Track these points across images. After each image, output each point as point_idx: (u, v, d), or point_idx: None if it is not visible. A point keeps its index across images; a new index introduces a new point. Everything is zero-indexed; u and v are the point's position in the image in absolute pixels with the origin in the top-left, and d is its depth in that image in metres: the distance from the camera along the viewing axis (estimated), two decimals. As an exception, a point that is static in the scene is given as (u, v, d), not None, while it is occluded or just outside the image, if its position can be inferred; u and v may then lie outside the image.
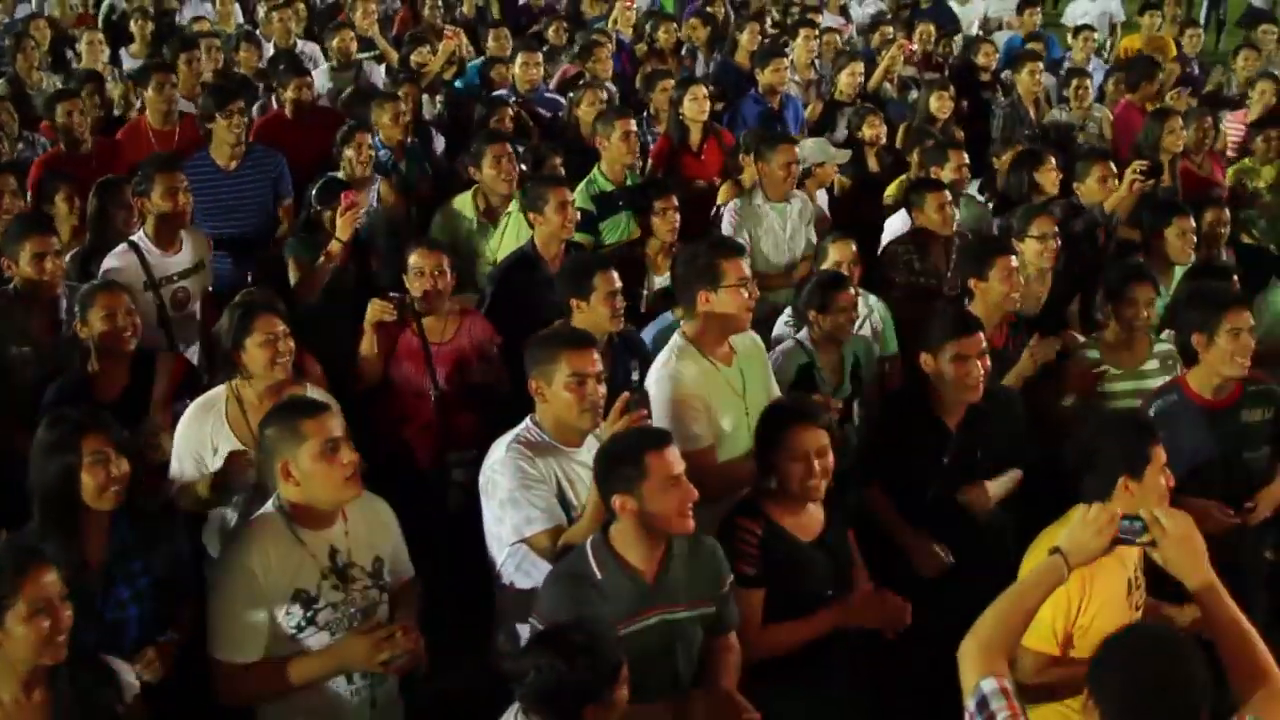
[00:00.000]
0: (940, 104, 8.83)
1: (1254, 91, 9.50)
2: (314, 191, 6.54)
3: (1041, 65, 9.66)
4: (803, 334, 5.66)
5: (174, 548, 4.20)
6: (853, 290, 5.66)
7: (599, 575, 3.85)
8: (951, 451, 4.94)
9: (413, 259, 5.65)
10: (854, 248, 6.14)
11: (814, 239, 6.96)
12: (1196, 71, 11.48)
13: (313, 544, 3.89)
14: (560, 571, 3.93)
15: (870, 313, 6.12)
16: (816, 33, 10.20)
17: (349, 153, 7.06)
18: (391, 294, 5.60)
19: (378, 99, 8.03)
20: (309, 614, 3.87)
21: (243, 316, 4.77)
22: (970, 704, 3.13)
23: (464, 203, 6.88)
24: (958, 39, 12.15)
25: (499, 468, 4.26)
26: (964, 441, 4.94)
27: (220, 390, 4.79)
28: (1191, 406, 5.02)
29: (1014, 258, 5.70)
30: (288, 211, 7.15)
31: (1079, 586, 3.88)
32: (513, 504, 4.20)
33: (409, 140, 7.84)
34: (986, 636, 3.22)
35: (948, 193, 6.70)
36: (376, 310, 5.49)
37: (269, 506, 3.95)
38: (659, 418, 4.75)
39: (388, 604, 4.06)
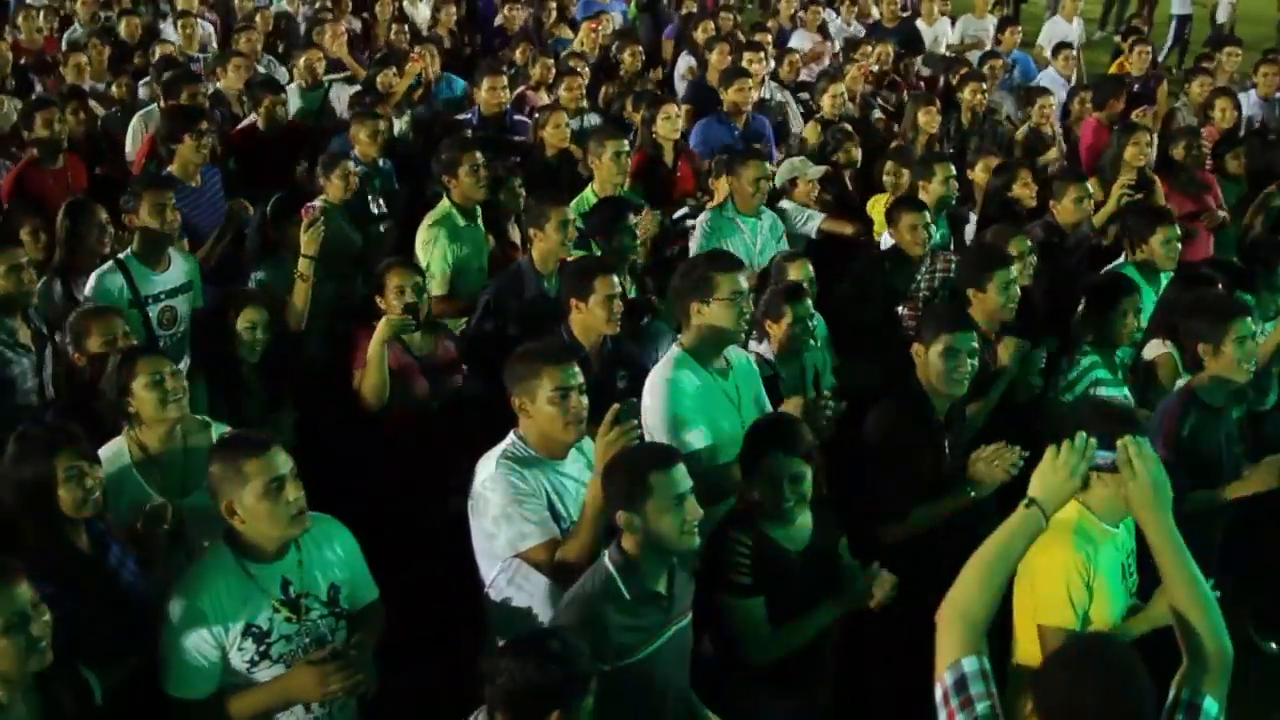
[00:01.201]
0: (928, 119, 8.93)
1: (1214, 111, 9.63)
2: (268, 210, 6.50)
3: (984, 85, 9.77)
4: (763, 347, 5.68)
5: None
6: (810, 302, 5.71)
7: (628, 596, 3.83)
8: (949, 442, 5.01)
9: (391, 278, 5.64)
10: (810, 267, 6.19)
11: None
12: (1136, 89, 11.53)
13: (263, 577, 3.83)
14: (587, 595, 3.86)
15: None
16: (761, 55, 10.18)
17: (335, 180, 7.06)
18: (409, 304, 5.59)
19: (357, 116, 8.12)
20: (261, 648, 3.81)
21: (124, 360, 4.60)
22: (947, 678, 3.09)
23: (442, 209, 6.85)
24: (919, 59, 12.23)
25: (490, 484, 4.23)
26: (951, 434, 5.02)
27: (120, 441, 4.57)
28: (1206, 413, 5.12)
29: (1013, 269, 5.76)
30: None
31: (1083, 560, 3.90)
32: (506, 519, 4.18)
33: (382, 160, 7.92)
34: (968, 605, 3.16)
35: (927, 214, 6.77)
36: (395, 325, 5.46)
37: (220, 540, 3.89)
38: (655, 425, 4.77)
39: (345, 630, 4.00)
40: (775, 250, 6.96)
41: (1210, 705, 3.01)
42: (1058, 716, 2.91)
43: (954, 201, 7.53)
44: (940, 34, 13.26)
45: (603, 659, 3.68)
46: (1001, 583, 3.20)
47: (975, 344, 4.97)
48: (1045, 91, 9.90)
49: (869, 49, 11.19)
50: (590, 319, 5.27)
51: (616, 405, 4.30)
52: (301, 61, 9.74)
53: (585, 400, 4.32)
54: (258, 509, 3.74)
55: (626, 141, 7.31)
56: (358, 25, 13.15)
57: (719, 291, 4.88)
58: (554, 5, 13.51)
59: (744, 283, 4.98)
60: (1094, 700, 2.84)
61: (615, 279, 5.32)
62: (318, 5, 13.16)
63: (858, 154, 8.37)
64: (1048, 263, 6.68)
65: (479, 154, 6.78)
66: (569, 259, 6.10)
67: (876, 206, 7.82)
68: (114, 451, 4.51)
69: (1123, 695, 2.86)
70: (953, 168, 7.52)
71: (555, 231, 6.04)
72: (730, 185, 7.03)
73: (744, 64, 9.71)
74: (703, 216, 7.05)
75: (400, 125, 9.24)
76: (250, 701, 3.80)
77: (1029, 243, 6.40)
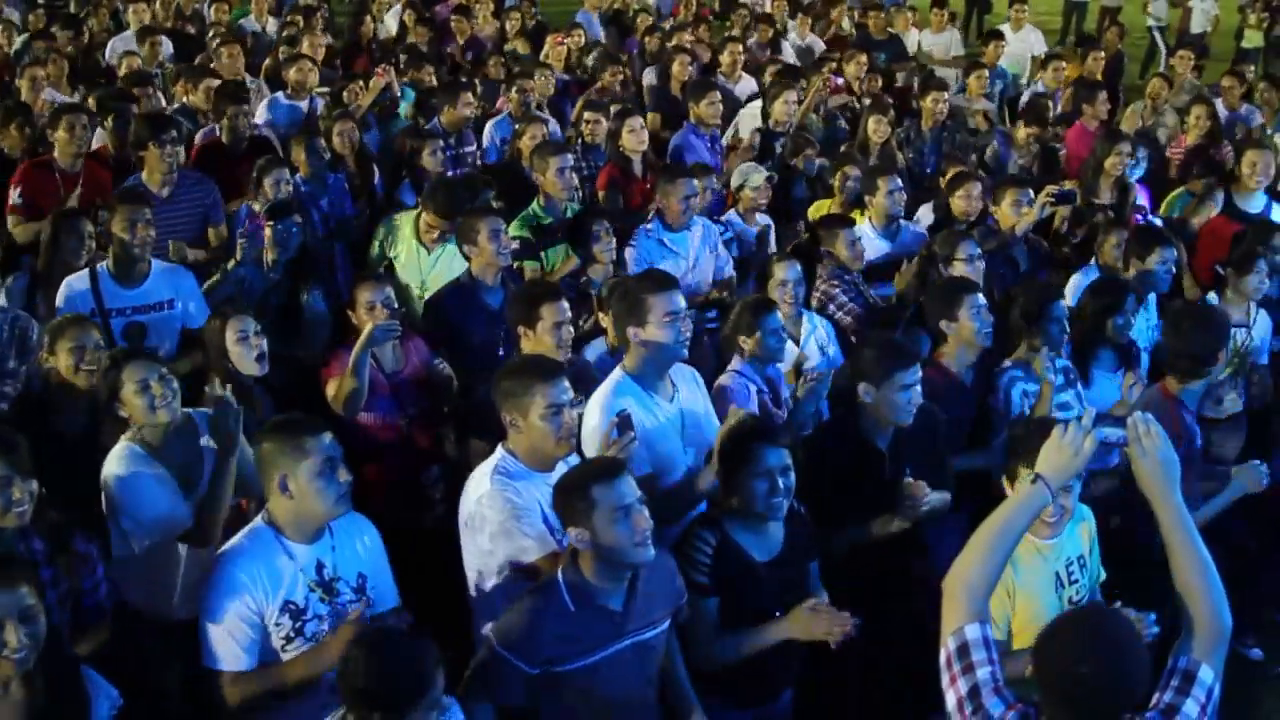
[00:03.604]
0: (878, 127, 8.99)
1: (1190, 117, 9.77)
2: (267, 213, 6.56)
3: (946, 95, 9.84)
4: (739, 363, 5.59)
5: (89, 560, 4.22)
6: (779, 315, 5.63)
7: (573, 608, 3.84)
8: (886, 471, 4.94)
9: (362, 293, 5.65)
10: (799, 267, 6.17)
11: (726, 265, 7.11)
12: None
13: (301, 557, 3.96)
14: (531, 606, 3.89)
15: (815, 329, 6.18)
16: (740, 48, 10.43)
17: (266, 187, 7.11)
18: (394, 310, 5.62)
19: (295, 135, 8.14)
20: (296, 625, 3.93)
21: (113, 366, 4.71)
22: (950, 644, 3.20)
23: (405, 220, 6.92)
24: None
25: (487, 501, 4.24)
26: (894, 462, 4.95)
27: (122, 442, 4.65)
28: (1184, 411, 5.28)
29: (980, 295, 5.71)
30: (219, 237, 7.18)
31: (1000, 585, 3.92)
32: (505, 535, 4.20)
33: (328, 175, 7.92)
34: (971, 575, 3.27)
35: (854, 229, 6.83)
36: (380, 331, 5.44)
37: (258, 520, 4.02)
38: (591, 448, 4.70)
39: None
40: (711, 260, 7.05)
41: (1206, 674, 3.12)
42: (1055, 687, 3.01)
43: (902, 212, 7.53)
44: (910, 45, 13.48)
45: (529, 662, 3.77)
46: (1005, 554, 3.31)
47: (920, 375, 4.90)
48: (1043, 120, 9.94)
49: (834, 61, 11.29)
50: (540, 347, 5.21)
51: (614, 418, 4.41)
52: (292, 73, 9.74)
53: (576, 415, 4.35)
54: (311, 486, 3.88)
55: (570, 156, 7.37)
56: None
57: (652, 314, 4.84)
58: (517, 16, 13.57)
59: (679, 301, 4.92)
60: (1090, 670, 2.93)
61: (563, 305, 5.27)
62: (287, 19, 13.15)
63: (816, 161, 8.46)
64: (987, 268, 6.72)
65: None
66: (521, 275, 6.19)
67: (820, 211, 7.88)
68: (130, 451, 4.61)
69: (1118, 665, 2.94)
70: (899, 180, 7.53)
71: (488, 242, 6.04)
72: (659, 201, 7.08)
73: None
74: (631, 239, 7.05)
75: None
76: (298, 667, 3.87)
77: (977, 246, 6.49)
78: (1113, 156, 8.08)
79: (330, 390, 5.53)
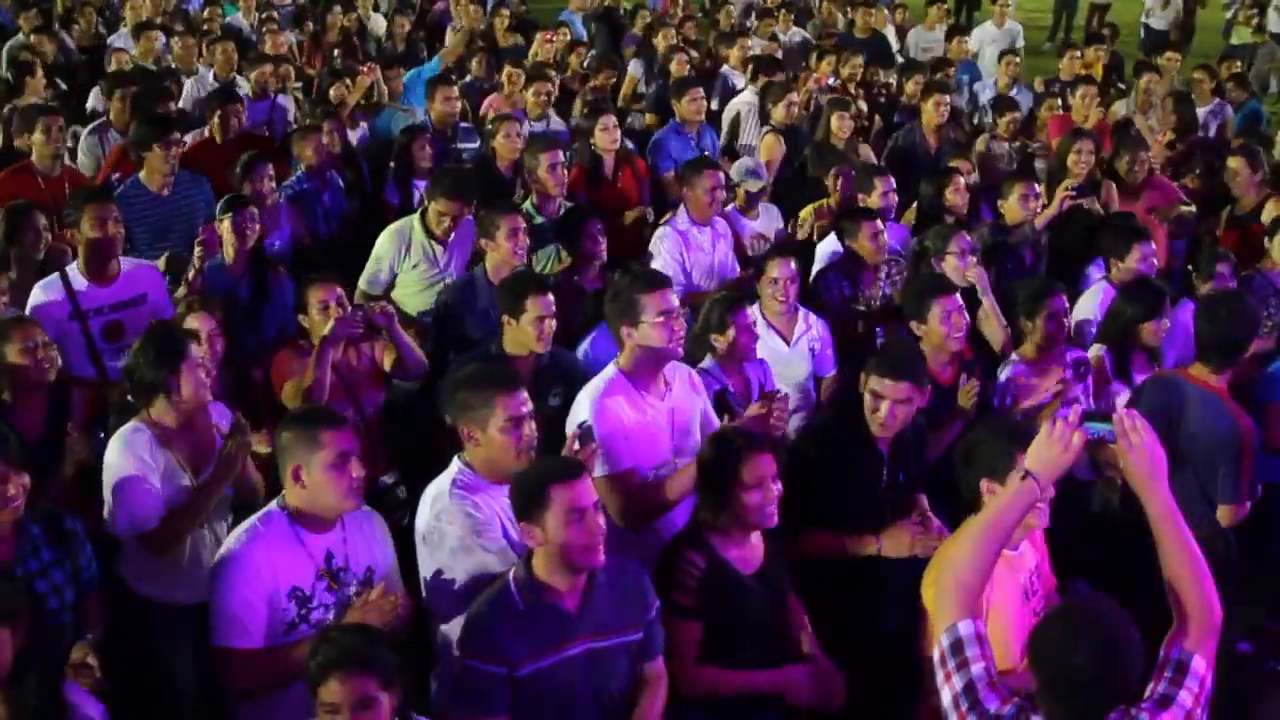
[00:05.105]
0: (840, 124, 8.90)
1: (1165, 113, 9.85)
2: (219, 209, 6.54)
3: (949, 98, 9.74)
4: (708, 362, 5.56)
5: (78, 537, 4.32)
6: (749, 312, 5.60)
7: (522, 607, 3.80)
8: (887, 473, 4.92)
9: (313, 295, 5.61)
10: (793, 264, 6.16)
11: (735, 262, 7.11)
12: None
13: (312, 546, 4.02)
14: (482, 608, 3.85)
15: (809, 329, 6.17)
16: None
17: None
18: (357, 306, 5.61)
19: (299, 131, 8.18)
20: (303, 612, 3.98)
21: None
22: (944, 641, 3.23)
23: (411, 223, 6.84)
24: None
25: (446, 516, 4.17)
26: (894, 466, 4.93)
27: (132, 424, 4.66)
28: (1207, 395, 5.28)
29: (955, 297, 5.69)
30: None
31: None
32: (466, 551, 4.13)
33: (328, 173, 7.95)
34: (962, 571, 3.28)
35: (879, 221, 6.77)
36: (346, 325, 5.43)
37: (273, 505, 4.07)
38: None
39: None
40: (730, 257, 7.05)
41: (1198, 664, 3.17)
42: (1050, 679, 3.05)
43: (893, 211, 7.47)
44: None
45: (497, 661, 3.73)
46: (995, 551, 3.35)
47: (905, 395, 4.80)
48: (1013, 103, 10.07)
49: (830, 59, 11.29)
50: (521, 337, 5.27)
51: (575, 430, 4.38)
52: (254, 74, 9.82)
53: (534, 426, 4.29)
54: (325, 478, 3.93)
55: (561, 152, 7.37)
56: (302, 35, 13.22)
57: (646, 314, 4.79)
58: (506, 13, 13.58)
59: (673, 301, 4.89)
60: (1085, 662, 2.96)
61: (549, 299, 5.29)
62: (263, 17, 13.18)
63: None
64: (997, 264, 6.73)
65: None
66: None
67: (808, 214, 7.88)
68: (136, 432, 4.61)
69: (1113, 656, 2.98)
70: (893, 180, 7.48)
71: (506, 240, 6.05)
72: (685, 197, 7.07)
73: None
74: (659, 232, 7.09)
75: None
76: (297, 653, 3.81)
77: (969, 239, 6.49)
78: (1072, 154, 7.96)
79: (288, 391, 5.49)
